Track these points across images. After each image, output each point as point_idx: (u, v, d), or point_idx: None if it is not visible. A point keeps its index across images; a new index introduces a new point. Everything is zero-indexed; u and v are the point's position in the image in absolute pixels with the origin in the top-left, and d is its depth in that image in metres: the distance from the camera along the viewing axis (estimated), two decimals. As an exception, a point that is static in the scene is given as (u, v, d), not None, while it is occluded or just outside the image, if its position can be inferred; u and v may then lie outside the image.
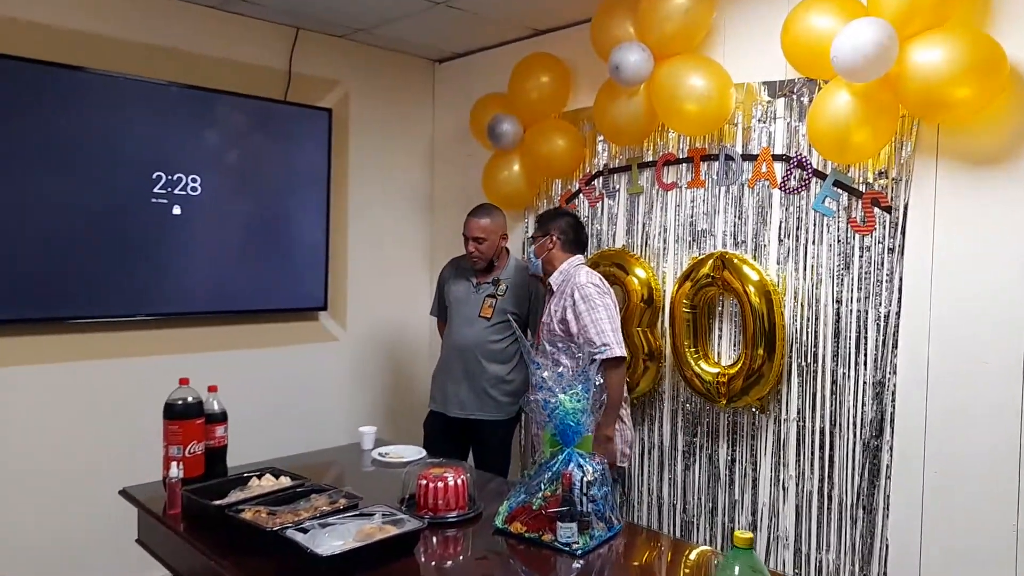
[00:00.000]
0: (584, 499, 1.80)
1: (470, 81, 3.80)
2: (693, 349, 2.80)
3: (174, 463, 2.02)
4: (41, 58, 2.74)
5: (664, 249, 2.99)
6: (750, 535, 1.09)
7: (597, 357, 2.10)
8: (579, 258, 2.71)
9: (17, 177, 2.70)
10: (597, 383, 1.88)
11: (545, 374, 1.86)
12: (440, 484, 1.97)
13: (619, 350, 2.51)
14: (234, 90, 3.24)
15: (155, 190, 2.99)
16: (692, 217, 2.89)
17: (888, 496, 2.39)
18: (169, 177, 3.03)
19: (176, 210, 3.05)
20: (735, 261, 2.67)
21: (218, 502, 1.89)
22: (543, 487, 1.85)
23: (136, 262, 2.98)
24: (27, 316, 2.76)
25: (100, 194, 2.87)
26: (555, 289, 2.65)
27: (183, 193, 3.07)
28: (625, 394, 2.66)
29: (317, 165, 3.49)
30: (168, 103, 3.05)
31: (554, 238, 2.70)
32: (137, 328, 3.06)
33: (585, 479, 1.80)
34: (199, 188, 3.11)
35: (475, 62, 3.85)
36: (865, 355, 2.44)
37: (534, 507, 1.84)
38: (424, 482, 1.98)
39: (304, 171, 3.46)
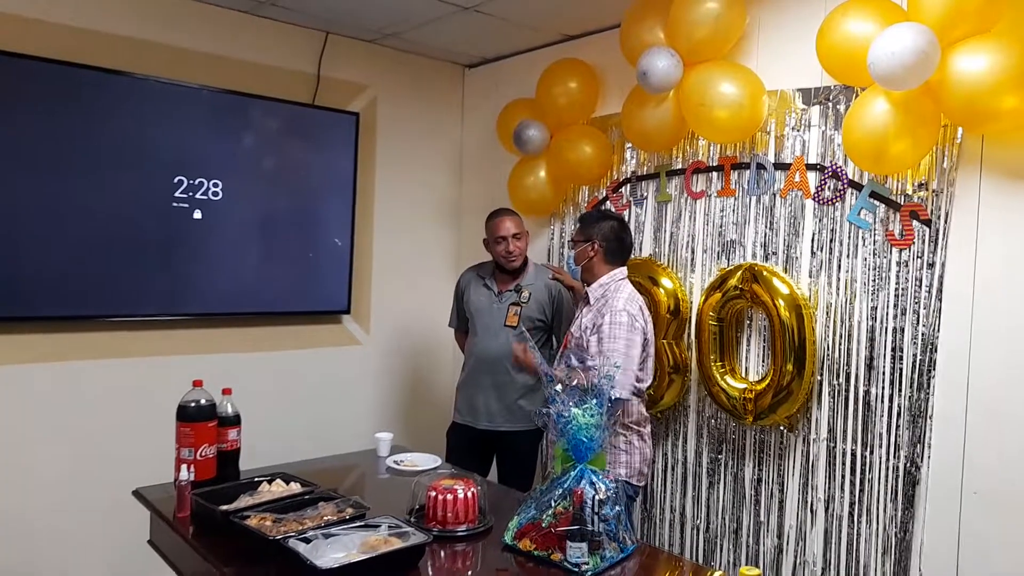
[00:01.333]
0: (596, 518, 1.73)
1: (500, 86, 3.77)
2: (720, 363, 2.71)
3: (184, 465, 2.01)
4: (72, 60, 2.78)
5: (692, 259, 2.90)
6: (757, 572, 1.02)
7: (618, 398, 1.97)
8: (622, 272, 2.54)
9: (43, 179, 2.73)
10: (612, 397, 1.81)
11: (558, 387, 1.80)
12: (449, 496, 1.92)
13: (618, 391, 2.24)
14: (262, 93, 3.25)
15: (176, 194, 3.01)
16: (721, 227, 2.80)
17: (924, 524, 2.27)
18: (190, 182, 3.05)
19: (197, 214, 3.07)
20: (765, 273, 2.58)
21: (225, 507, 1.88)
22: (554, 503, 1.79)
23: (157, 264, 3.00)
24: (46, 314, 2.79)
25: (123, 197, 2.90)
26: (591, 301, 2.51)
27: (204, 198, 3.08)
28: (646, 412, 2.56)
29: (343, 168, 3.48)
30: (196, 106, 3.07)
31: (596, 246, 2.50)
32: (159, 328, 3.08)
33: (597, 497, 1.74)
34: (220, 193, 3.12)
35: (505, 67, 3.81)
36: (901, 375, 2.33)
37: (544, 524, 1.78)
38: (433, 494, 1.93)
39: (330, 174, 3.46)
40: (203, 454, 2.10)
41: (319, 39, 3.46)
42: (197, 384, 2.14)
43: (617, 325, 2.37)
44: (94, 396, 2.93)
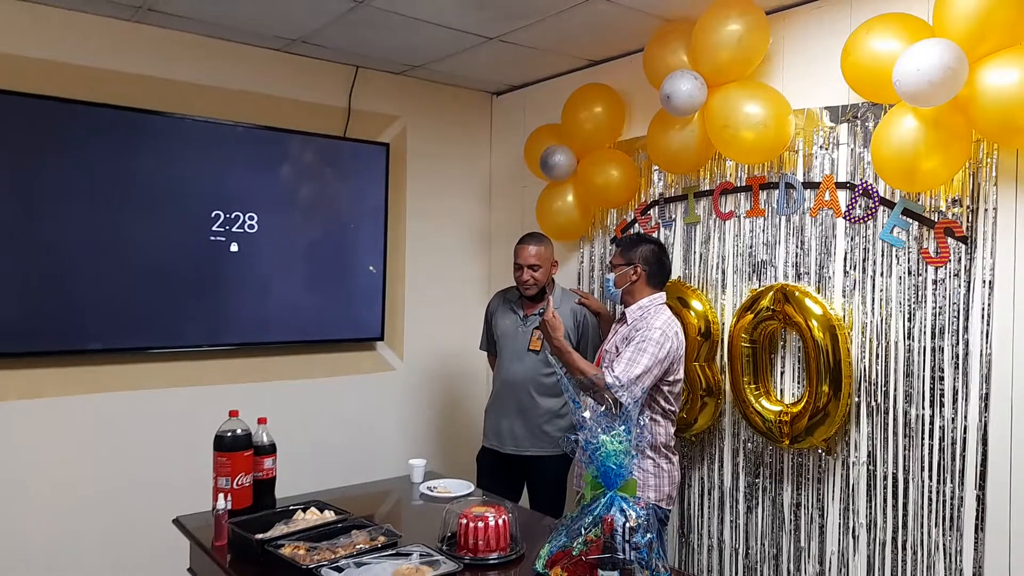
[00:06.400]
0: (627, 546, 1.71)
1: (527, 112, 3.82)
2: (753, 385, 2.67)
3: (221, 495, 2.05)
4: (113, 103, 2.89)
5: (722, 281, 2.88)
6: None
7: (607, 384, 2.28)
8: (661, 297, 2.56)
9: (86, 216, 2.83)
10: (637, 420, 1.80)
11: (586, 414, 1.80)
12: (480, 524, 1.92)
13: (621, 392, 2.27)
14: (295, 128, 3.33)
15: (213, 228, 3.10)
16: (751, 247, 2.78)
17: (972, 551, 2.20)
18: (227, 216, 3.13)
19: (233, 247, 3.15)
20: (797, 294, 2.55)
21: (260, 536, 1.91)
22: (584, 531, 1.77)
23: (195, 297, 3.07)
24: (89, 347, 2.88)
25: (162, 233, 2.99)
26: (629, 321, 2.52)
27: (240, 231, 3.17)
28: (672, 432, 2.53)
29: (375, 198, 3.55)
30: (231, 143, 3.16)
31: (638, 270, 2.51)
32: (197, 359, 3.15)
33: (628, 525, 1.72)
34: (256, 225, 3.21)
35: (532, 93, 3.86)
36: (942, 395, 2.27)
37: (575, 552, 1.76)
38: (464, 521, 1.94)
39: (362, 204, 3.52)
40: (240, 483, 2.14)
41: (349, 73, 3.55)
42: (233, 414, 2.18)
43: (647, 341, 2.38)
44: (134, 426, 3.01)
